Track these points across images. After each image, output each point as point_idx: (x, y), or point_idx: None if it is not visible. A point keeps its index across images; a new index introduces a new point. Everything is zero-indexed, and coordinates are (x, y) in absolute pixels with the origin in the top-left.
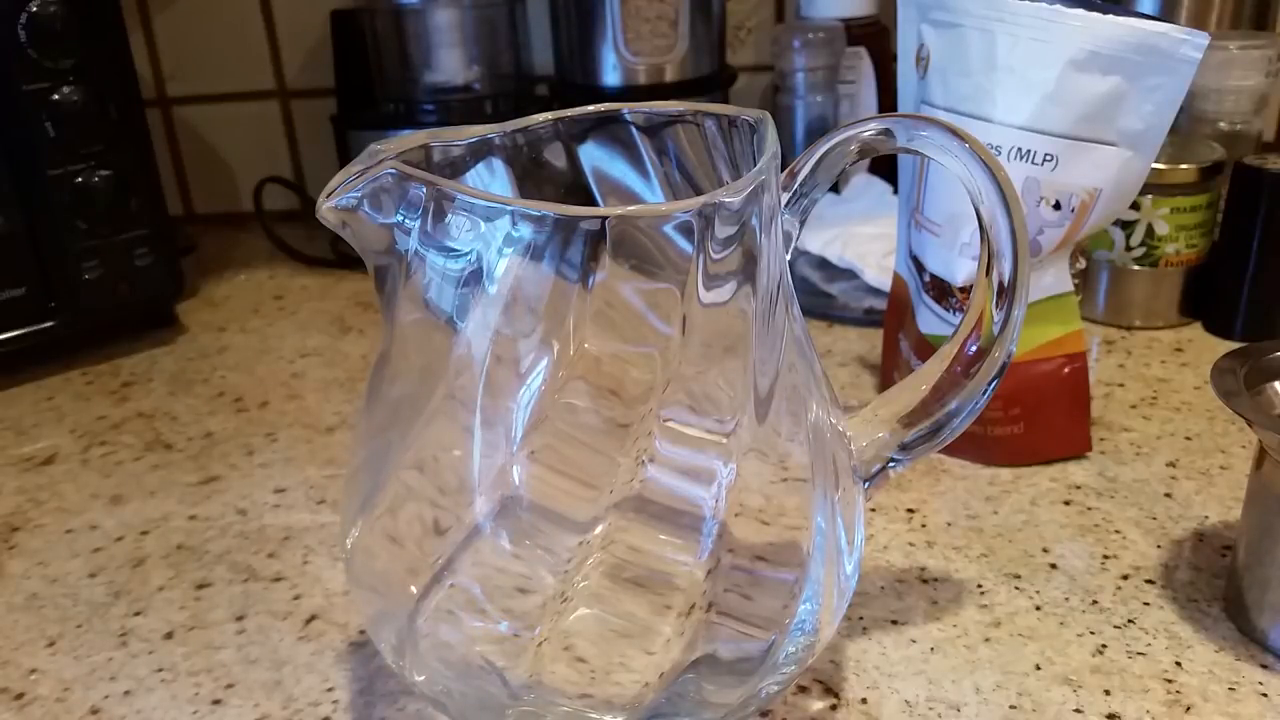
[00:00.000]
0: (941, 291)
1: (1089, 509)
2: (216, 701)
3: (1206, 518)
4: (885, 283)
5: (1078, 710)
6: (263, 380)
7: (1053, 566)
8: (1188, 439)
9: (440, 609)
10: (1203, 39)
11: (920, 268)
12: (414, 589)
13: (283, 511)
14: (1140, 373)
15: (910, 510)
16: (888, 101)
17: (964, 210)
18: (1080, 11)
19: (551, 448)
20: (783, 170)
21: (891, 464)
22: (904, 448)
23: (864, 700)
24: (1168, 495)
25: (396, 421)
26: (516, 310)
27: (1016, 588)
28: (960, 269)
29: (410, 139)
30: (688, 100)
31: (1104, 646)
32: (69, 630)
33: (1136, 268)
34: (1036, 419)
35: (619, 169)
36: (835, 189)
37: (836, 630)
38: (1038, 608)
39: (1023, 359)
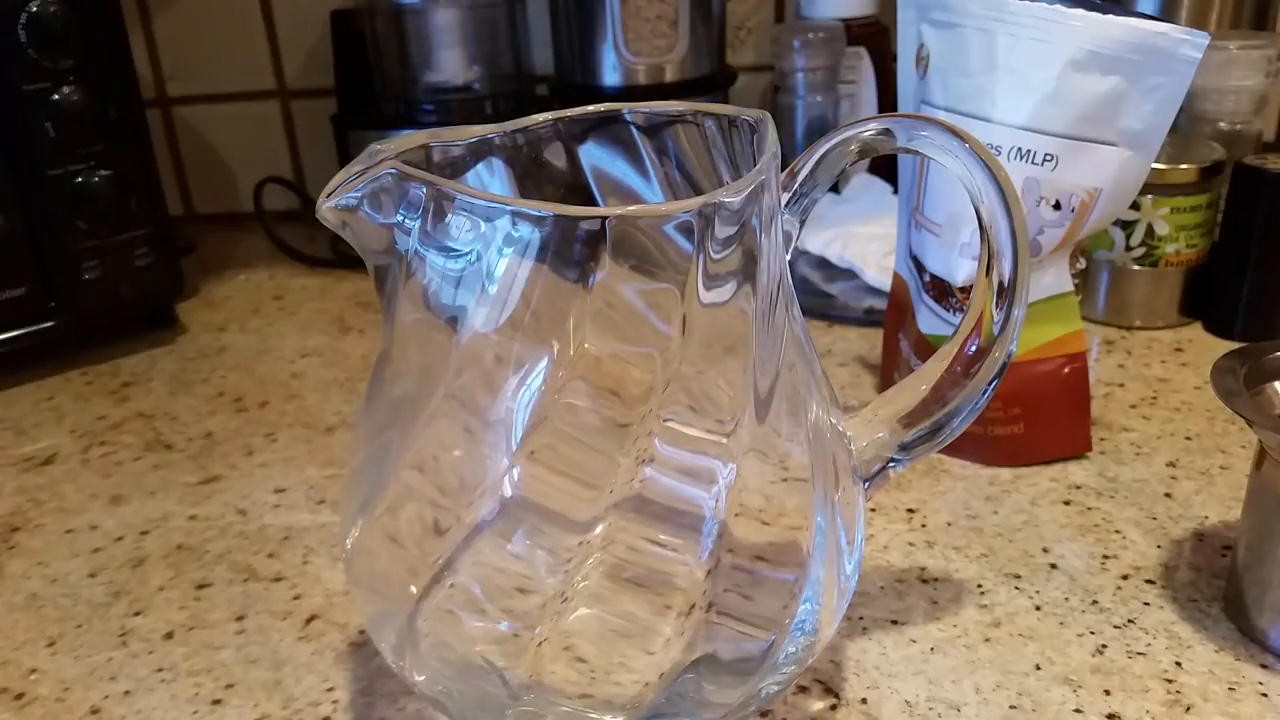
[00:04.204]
0: (941, 291)
1: (1089, 509)
2: (216, 701)
3: (1206, 518)
4: (885, 283)
5: (1078, 710)
6: (263, 380)
7: (1053, 566)
8: (1188, 439)
9: (440, 609)
10: (1203, 39)
11: (920, 268)
12: (414, 589)
13: (283, 511)
14: (1140, 373)
15: (910, 510)
16: (888, 101)
17: (964, 210)
18: (1080, 11)
19: (551, 448)
20: (783, 170)
21: (891, 464)
22: (904, 448)
23: (864, 700)
24: (1168, 495)
25: (396, 421)
26: (516, 310)
27: (1016, 588)
28: (960, 269)
29: (410, 139)
30: (688, 100)
31: (1104, 646)
32: (69, 630)
33: (1136, 268)
34: (1036, 419)
35: (619, 169)
36: (835, 189)
37: (836, 630)
38: (1038, 608)
39: (1023, 359)
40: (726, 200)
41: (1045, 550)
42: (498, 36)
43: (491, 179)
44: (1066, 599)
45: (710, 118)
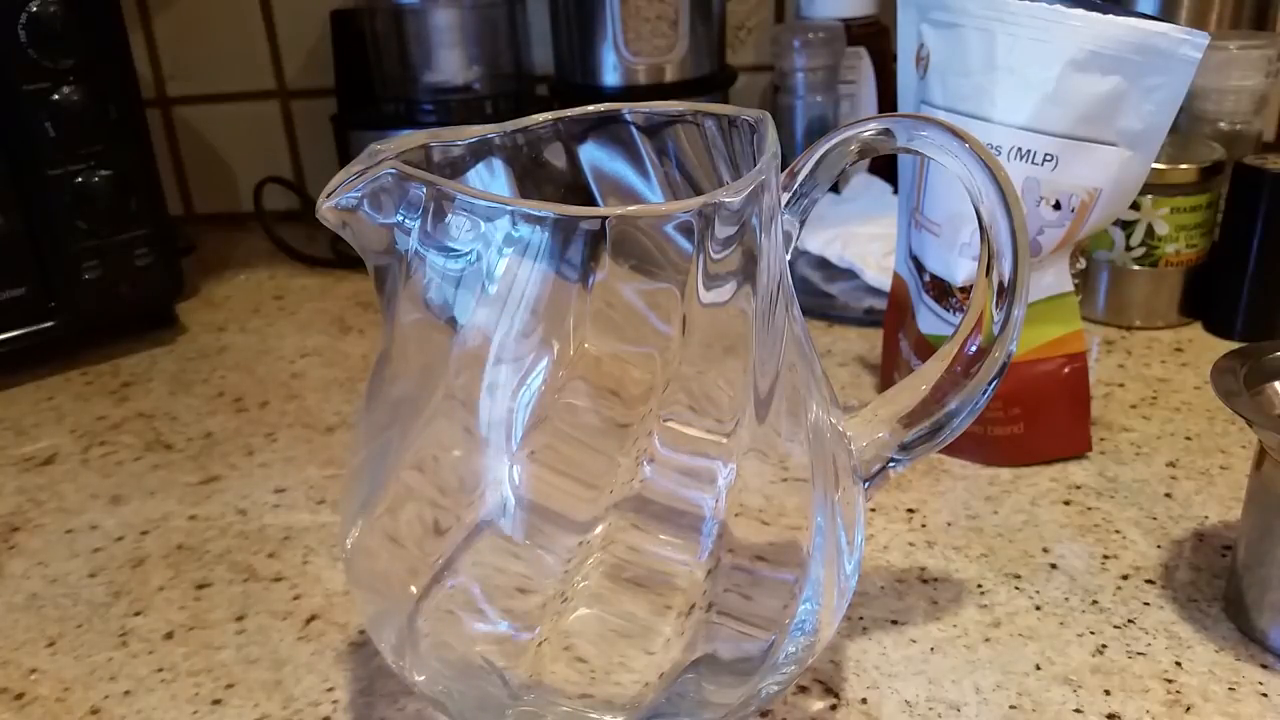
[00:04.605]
0: (941, 291)
1: (1089, 509)
2: (216, 701)
3: (1206, 518)
4: (885, 283)
5: (1078, 710)
6: (263, 380)
7: (1053, 566)
8: (1188, 439)
9: (440, 609)
10: (1203, 39)
11: (920, 268)
12: (414, 589)
13: (283, 511)
14: (1140, 373)
15: (910, 510)
16: (888, 101)
17: (964, 210)
18: (1080, 11)
19: (551, 448)
20: (783, 170)
21: (891, 464)
22: (904, 448)
23: (864, 700)
24: (1168, 495)
25: (396, 421)
26: (517, 310)
27: (1016, 588)
28: (960, 269)
29: (410, 139)
30: (688, 100)
31: (1104, 646)
32: (69, 630)
33: (1136, 268)
34: (1036, 419)
35: (619, 169)
36: (835, 189)
37: (836, 630)
38: (1038, 608)
39: (1023, 359)
40: (726, 200)
41: (1045, 550)
42: (498, 36)
43: (491, 179)
44: (1066, 599)
45: (710, 118)
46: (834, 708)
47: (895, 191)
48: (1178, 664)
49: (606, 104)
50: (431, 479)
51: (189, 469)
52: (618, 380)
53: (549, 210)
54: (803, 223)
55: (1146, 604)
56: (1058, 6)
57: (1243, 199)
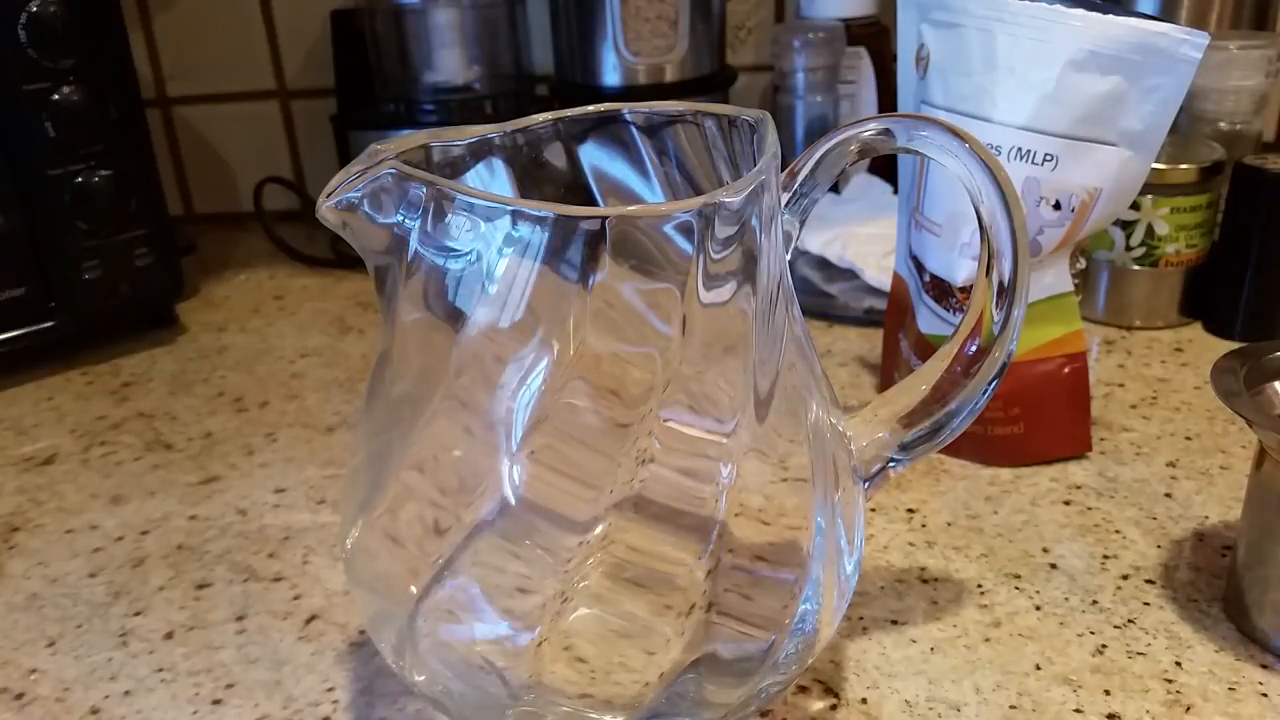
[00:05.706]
0: (941, 291)
1: (1089, 509)
2: (216, 701)
3: (1206, 518)
4: (885, 283)
5: (1078, 710)
6: (263, 380)
7: (1053, 566)
8: (1188, 439)
9: (440, 609)
10: (1203, 39)
11: (920, 268)
12: (414, 589)
13: (283, 511)
14: (1140, 373)
15: (910, 510)
16: (888, 101)
17: (964, 210)
18: (1080, 11)
19: (551, 448)
20: (783, 170)
21: (891, 464)
22: (904, 448)
23: (864, 700)
24: (1168, 495)
25: (397, 422)
26: (517, 310)
27: (1016, 588)
28: (960, 269)
29: (410, 139)
30: (688, 100)
31: (1104, 646)
32: (69, 630)
33: (1136, 268)
34: (1036, 419)
35: (619, 169)
36: (835, 189)
37: (836, 630)
38: (1038, 608)
39: (1023, 359)
40: (726, 200)
41: (1045, 550)
42: (498, 36)
43: (491, 179)
44: (1066, 599)
45: (710, 118)
46: (834, 708)
47: (895, 191)
48: (1178, 664)
49: (606, 104)
50: (431, 479)
51: (189, 469)
52: (618, 380)
53: (549, 210)
54: (803, 223)
55: (1146, 604)
56: (1058, 6)
57: (1243, 199)
